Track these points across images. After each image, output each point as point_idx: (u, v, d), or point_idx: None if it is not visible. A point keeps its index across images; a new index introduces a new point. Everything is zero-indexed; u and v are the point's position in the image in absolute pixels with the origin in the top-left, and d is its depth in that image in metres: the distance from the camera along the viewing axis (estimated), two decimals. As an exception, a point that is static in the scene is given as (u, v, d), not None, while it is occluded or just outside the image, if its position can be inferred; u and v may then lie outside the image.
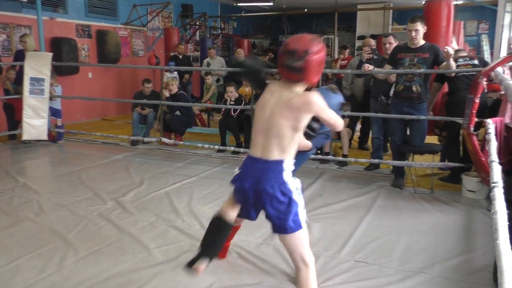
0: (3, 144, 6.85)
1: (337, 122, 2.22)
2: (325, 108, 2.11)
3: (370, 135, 5.94)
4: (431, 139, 5.36)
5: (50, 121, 6.91)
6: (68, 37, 9.06)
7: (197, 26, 12.96)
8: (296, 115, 2.06)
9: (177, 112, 6.85)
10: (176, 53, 9.90)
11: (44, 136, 6.74)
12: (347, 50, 9.79)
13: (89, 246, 3.30)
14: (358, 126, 6.72)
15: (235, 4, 14.24)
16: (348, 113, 5.60)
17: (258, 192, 2.12)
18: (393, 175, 5.12)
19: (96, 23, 9.94)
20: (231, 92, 6.45)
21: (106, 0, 10.27)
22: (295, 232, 2.13)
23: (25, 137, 6.58)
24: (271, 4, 12.89)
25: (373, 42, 6.24)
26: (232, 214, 2.37)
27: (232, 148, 6.06)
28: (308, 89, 2.16)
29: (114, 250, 3.26)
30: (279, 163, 2.10)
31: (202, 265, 2.31)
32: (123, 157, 6.19)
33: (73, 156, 6.39)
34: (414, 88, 4.58)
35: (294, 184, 2.14)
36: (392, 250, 3.31)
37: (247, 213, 2.31)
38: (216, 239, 2.39)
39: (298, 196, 2.14)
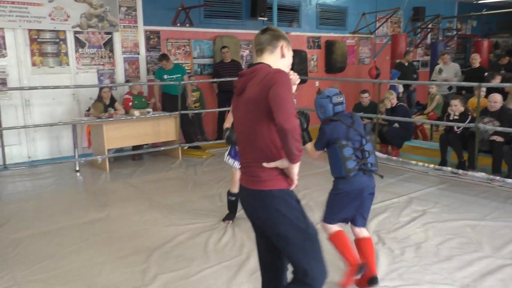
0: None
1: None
2: None
3: None
4: None
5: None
6: (299, 49, 9.83)
7: (428, 29, 12.25)
8: None
9: (396, 124, 6.68)
10: (401, 60, 9.60)
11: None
12: None
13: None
14: None
15: (475, 1, 12.90)
16: None
17: None
18: None
19: (325, 34, 10.49)
20: (455, 106, 5.92)
21: (336, 11, 10.72)
22: None
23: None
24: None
25: None
26: None
27: (450, 169, 5.57)
28: None
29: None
30: None
31: None
32: (337, 167, 6.39)
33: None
34: None
35: None
36: None
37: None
38: None
39: None
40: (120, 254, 3.66)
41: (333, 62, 10.38)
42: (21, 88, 6.63)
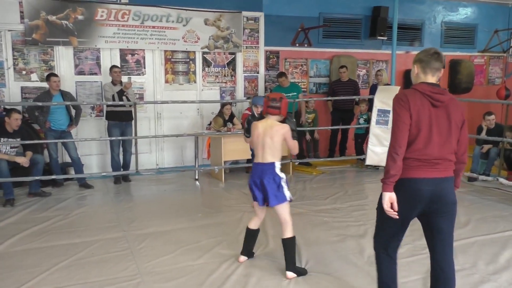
0: (350, 166, 7.95)
1: (295, 146, 3.70)
2: (289, 135, 3.61)
3: None
4: None
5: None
6: (420, 69, 9.45)
7: None
8: (276, 136, 3.57)
9: (526, 150, 6.10)
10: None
11: (384, 163, 7.33)
12: None
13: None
14: None
15: None
16: None
17: (261, 182, 3.55)
18: None
19: (450, 53, 9.95)
20: None
21: (464, 29, 10.12)
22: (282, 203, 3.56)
23: (368, 162, 7.35)
24: None
25: None
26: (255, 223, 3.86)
27: None
28: (281, 121, 3.68)
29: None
30: (272, 164, 3.60)
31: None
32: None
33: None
34: None
35: (281, 175, 3.59)
36: None
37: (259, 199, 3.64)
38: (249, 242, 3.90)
39: (284, 182, 3.56)
40: (228, 256, 3.94)
41: (458, 82, 9.77)
42: (155, 102, 7.45)
